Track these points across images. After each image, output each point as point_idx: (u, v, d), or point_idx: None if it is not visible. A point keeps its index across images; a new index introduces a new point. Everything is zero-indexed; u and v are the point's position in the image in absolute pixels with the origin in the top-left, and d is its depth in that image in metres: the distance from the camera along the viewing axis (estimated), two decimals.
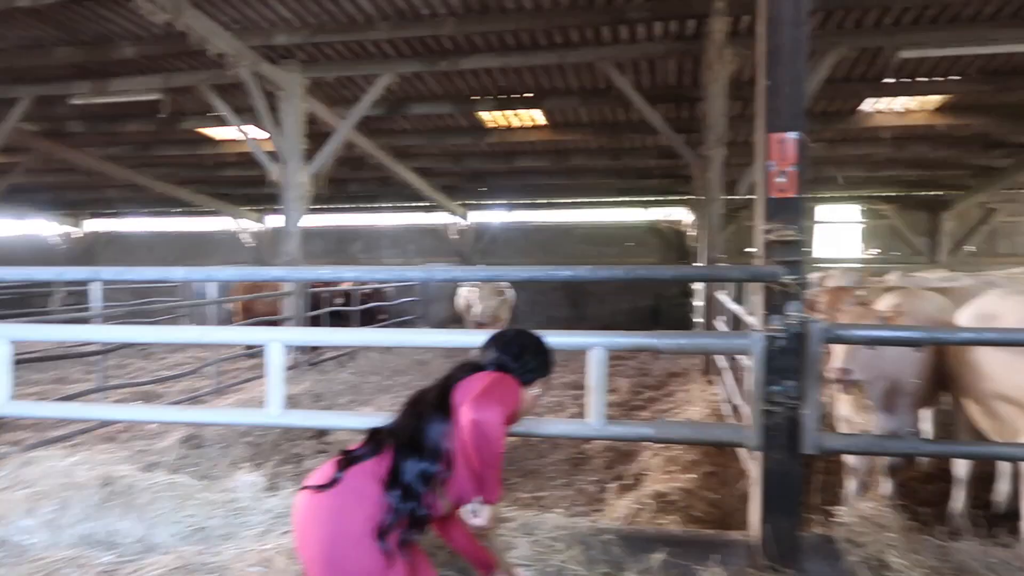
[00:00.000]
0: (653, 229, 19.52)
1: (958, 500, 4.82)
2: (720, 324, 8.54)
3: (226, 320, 11.76)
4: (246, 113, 11.11)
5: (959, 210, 17.87)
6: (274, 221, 21.07)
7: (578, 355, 3.62)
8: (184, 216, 21.76)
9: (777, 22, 3.45)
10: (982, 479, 5.19)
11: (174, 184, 17.35)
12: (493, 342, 2.72)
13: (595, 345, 3.50)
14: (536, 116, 12.96)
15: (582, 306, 18.97)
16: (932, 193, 17.82)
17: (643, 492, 4.54)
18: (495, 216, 20.34)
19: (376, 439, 2.43)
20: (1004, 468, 5.01)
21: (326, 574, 2.19)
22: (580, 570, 3.00)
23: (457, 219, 19.85)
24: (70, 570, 2.96)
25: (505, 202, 19.83)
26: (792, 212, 3.51)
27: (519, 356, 2.65)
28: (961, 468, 4.81)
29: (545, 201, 19.70)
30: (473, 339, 4.18)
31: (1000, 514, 4.82)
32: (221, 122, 12.59)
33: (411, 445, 2.37)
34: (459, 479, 2.43)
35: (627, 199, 19.13)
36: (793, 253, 3.49)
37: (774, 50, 3.52)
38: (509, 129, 13.82)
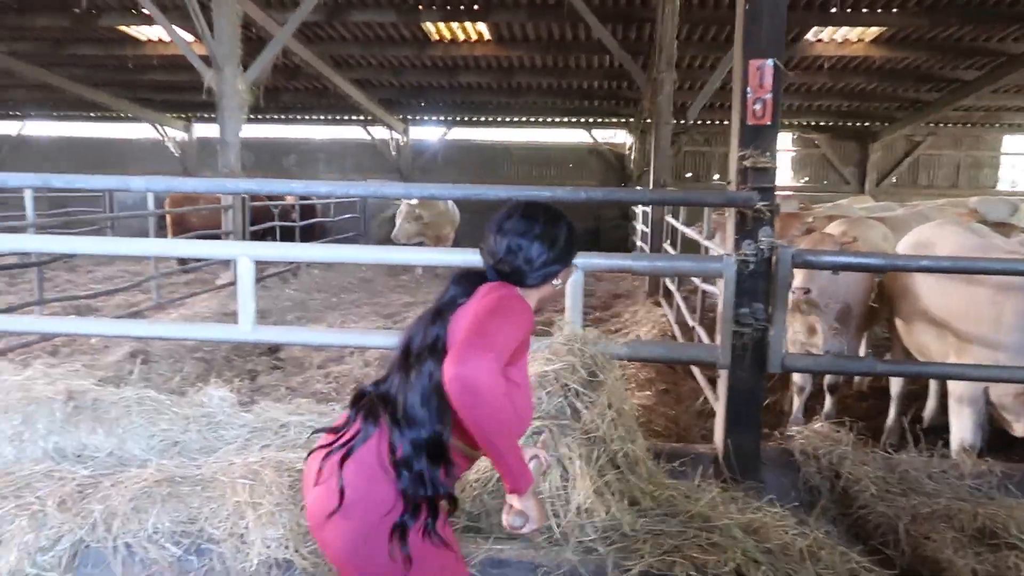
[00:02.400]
0: (594, 151, 19.51)
1: (893, 416, 5.17)
2: (668, 248, 8.73)
3: (160, 234, 11.30)
4: (172, 12, 10.43)
5: (885, 142, 18.45)
6: (201, 130, 20.08)
7: None
8: (99, 122, 20.46)
9: None
10: (911, 396, 5.58)
11: (90, 86, 16.25)
12: (490, 235, 2.09)
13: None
14: (482, 29, 12.61)
15: None
16: (862, 124, 18.31)
17: None
18: (434, 133, 19.91)
19: (369, 409, 1.93)
20: (932, 387, 5.38)
21: None
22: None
23: (396, 135, 19.36)
24: (47, 483, 2.90)
25: (445, 118, 19.40)
26: (767, 139, 3.59)
27: (528, 255, 2.03)
28: (895, 386, 5.15)
29: (486, 119, 19.37)
30: (441, 257, 4.19)
31: (926, 428, 5.21)
32: (145, 20, 11.81)
33: (401, 413, 1.87)
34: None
35: (569, 120, 18.98)
36: (766, 180, 3.57)
37: None
38: (453, 42, 13.42)
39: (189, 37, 10.34)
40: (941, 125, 18.32)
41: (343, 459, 1.86)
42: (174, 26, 9.98)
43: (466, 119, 19.34)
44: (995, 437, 4.53)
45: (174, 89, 16.69)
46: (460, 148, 19.79)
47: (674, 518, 3.15)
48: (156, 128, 19.76)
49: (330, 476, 1.87)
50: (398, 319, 8.10)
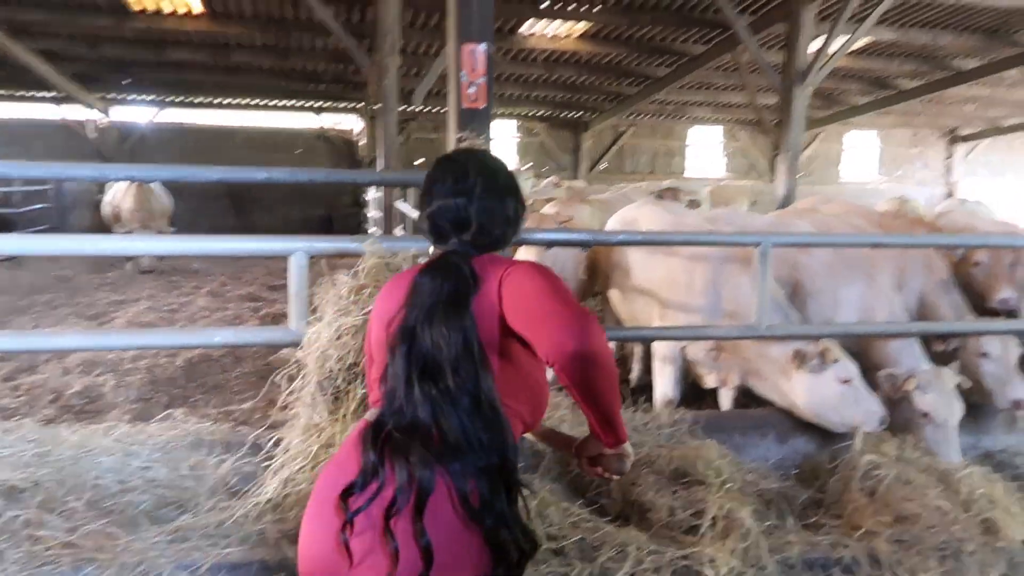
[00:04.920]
0: (322, 137, 19.03)
1: None
2: (399, 231, 8.77)
3: None
4: None
5: (595, 131, 20.28)
6: None
7: (250, 266, 3.45)
8: None
9: None
10: (620, 360, 6.18)
11: None
12: (447, 201, 1.80)
13: (297, 250, 3.41)
14: (192, 3, 11.64)
15: (248, 215, 17.92)
16: (575, 115, 19.87)
17: None
18: (144, 114, 18.05)
19: (400, 447, 1.54)
20: (637, 352, 6.02)
21: None
22: None
23: (96, 115, 17.23)
24: None
25: (155, 98, 17.63)
26: (481, 122, 3.73)
27: (507, 214, 1.82)
28: None
29: (203, 100, 17.96)
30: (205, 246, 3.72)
31: (634, 388, 5.82)
32: None
33: (453, 441, 1.54)
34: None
35: (295, 103, 18.27)
36: None
37: None
38: (159, 15, 12.22)
39: None
40: (640, 117, 20.47)
41: (415, 517, 1.48)
42: None
43: (180, 100, 17.79)
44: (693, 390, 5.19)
45: None
46: (174, 131, 18.19)
47: None
48: None
49: (385, 549, 1.47)
50: (104, 320, 7.26)
